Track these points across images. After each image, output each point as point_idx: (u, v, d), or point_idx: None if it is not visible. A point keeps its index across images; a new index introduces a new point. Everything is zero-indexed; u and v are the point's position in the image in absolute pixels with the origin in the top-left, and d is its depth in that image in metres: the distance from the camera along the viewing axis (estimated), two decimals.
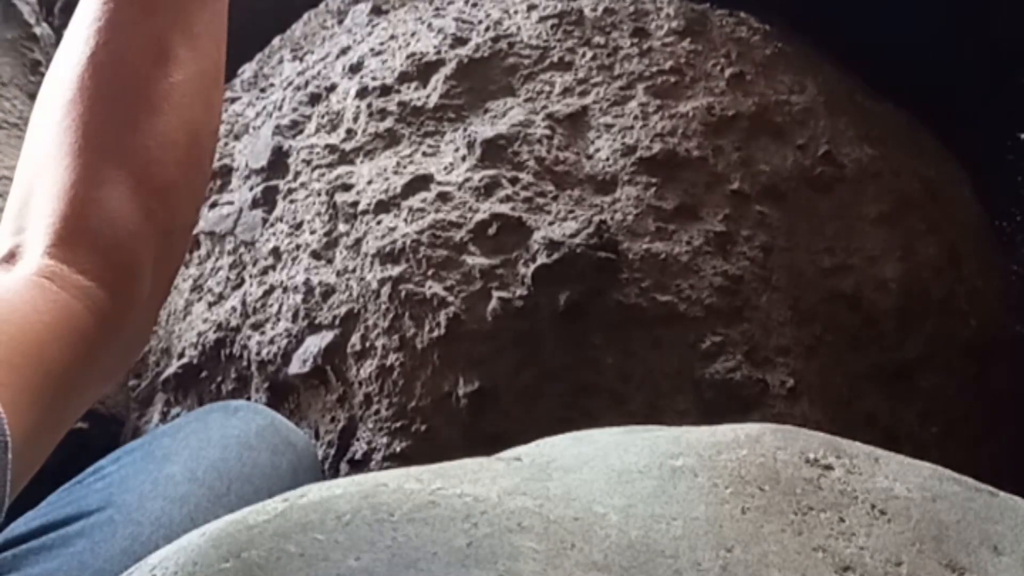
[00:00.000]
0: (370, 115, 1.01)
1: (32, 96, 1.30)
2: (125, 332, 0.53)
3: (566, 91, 0.99)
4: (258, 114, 1.13)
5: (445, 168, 0.95)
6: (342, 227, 0.95)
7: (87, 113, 0.53)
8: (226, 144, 1.15)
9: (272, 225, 1.01)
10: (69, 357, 0.48)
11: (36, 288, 0.48)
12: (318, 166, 1.00)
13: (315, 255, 0.96)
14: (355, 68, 1.05)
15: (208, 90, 0.58)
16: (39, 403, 0.46)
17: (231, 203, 1.07)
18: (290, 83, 1.11)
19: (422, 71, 1.01)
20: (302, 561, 0.48)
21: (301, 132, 1.04)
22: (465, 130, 0.97)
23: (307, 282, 0.95)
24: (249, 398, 0.98)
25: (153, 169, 0.54)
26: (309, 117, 1.05)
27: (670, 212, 0.93)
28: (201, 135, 0.58)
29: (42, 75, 1.32)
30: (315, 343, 0.93)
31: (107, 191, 0.52)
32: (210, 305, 1.04)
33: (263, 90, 1.17)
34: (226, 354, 1.00)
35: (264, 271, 1.00)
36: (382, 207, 0.94)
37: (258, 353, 0.97)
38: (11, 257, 0.51)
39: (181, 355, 1.03)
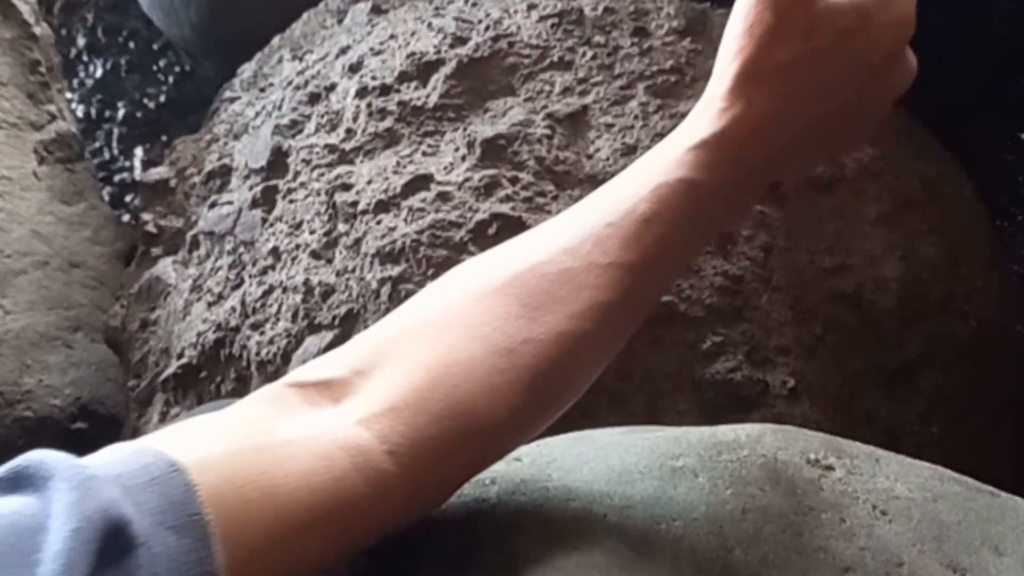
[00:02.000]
0: (370, 115, 1.00)
1: (31, 96, 1.30)
2: (392, 520, 0.47)
3: (566, 91, 0.99)
4: (257, 114, 1.13)
5: (445, 168, 0.95)
6: (342, 227, 0.95)
7: (504, 307, 0.50)
8: (225, 144, 1.15)
9: (271, 225, 1.01)
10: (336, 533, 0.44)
11: (340, 460, 0.44)
12: (318, 166, 1.00)
13: (315, 255, 0.96)
14: (355, 68, 1.05)
15: (616, 340, 0.56)
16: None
17: (230, 203, 1.06)
18: (290, 83, 1.11)
19: (422, 71, 1.01)
20: None
21: (301, 132, 1.04)
22: (465, 130, 0.97)
23: (307, 282, 0.95)
24: None
25: (537, 381, 0.51)
26: (309, 117, 1.05)
27: None
28: (589, 375, 0.55)
29: (41, 75, 1.32)
30: (315, 343, 0.93)
31: (478, 388, 0.48)
32: (209, 305, 1.03)
33: (263, 90, 1.17)
34: (225, 354, 1.00)
35: (264, 271, 1.00)
36: (382, 207, 0.94)
37: (257, 353, 0.97)
38: (340, 387, 0.47)
39: (180, 355, 1.03)
